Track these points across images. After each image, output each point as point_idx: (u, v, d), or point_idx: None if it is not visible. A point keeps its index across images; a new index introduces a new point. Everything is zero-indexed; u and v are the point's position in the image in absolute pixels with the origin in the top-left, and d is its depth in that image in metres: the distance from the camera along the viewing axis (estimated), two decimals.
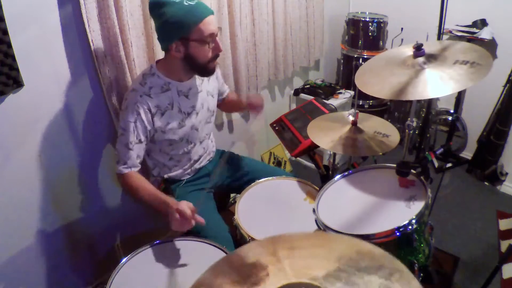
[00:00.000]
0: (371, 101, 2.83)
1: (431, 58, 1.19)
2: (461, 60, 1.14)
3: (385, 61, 1.31)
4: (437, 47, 1.25)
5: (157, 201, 1.28)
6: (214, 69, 1.40)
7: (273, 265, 0.68)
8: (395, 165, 1.23)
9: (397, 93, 1.12)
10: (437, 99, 2.75)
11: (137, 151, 1.36)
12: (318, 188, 1.46)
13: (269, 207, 1.45)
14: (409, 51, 1.25)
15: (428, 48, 1.22)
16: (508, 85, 2.27)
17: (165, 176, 1.57)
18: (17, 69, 1.28)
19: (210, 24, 1.26)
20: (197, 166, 1.62)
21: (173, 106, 1.40)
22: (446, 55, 1.19)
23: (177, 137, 1.45)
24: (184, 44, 1.27)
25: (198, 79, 1.48)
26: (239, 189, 1.60)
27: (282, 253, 0.71)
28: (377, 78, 1.25)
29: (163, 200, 1.26)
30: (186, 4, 1.21)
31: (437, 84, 1.10)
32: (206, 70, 1.38)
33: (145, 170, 1.87)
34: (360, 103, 2.81)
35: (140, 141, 1.36)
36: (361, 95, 2.74)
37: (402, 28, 2.66)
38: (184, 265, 1.19)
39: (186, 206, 1.18)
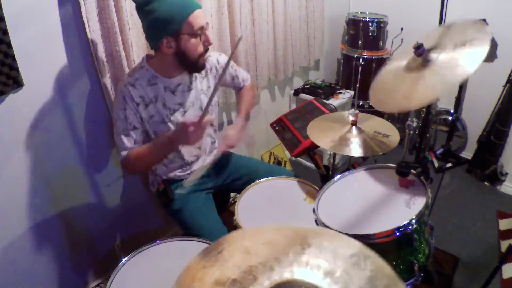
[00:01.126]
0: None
1: (433, 49, 1.19)
2: (459, 42, 1.12)
3: (393, 73, 1.30)
4: (435, 37, 1.24)
5: (162, 146, 1.34)
6: (204, 65, 1.40)
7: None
8: (395, 165, 1.23)
9: (418, 98, 1.11)
10: (437, 99, 2.75)
11: (133, 136, 1.38)
12: (318, 188, 1.46)
13: (269, 207, 1.45)
14: (409, 53, 1.24)
15: (426, 43, 1.21)
16: (508, 85, 2.27)
17: (164, 177, 1.57)
18: (17, 69, 1.28)
19: (198, 17, 1.26)
20: (195, 167, 1.60)
21: (157, 100, 1.39)
22: (445, 43, 1.18)
23: (161, 132, 1.44)
24: (176, 39, 1.27)
25: (189, 76, 1.46)
26: (239, 189, 1.60)
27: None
28: (393, 94, 1.24)
29: (166, 139, 1.31)
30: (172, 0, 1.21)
31: (451, 70, 1.08)
32: (196, 66, 1.37)
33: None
34: (360, 103, 2.81)
35: (134, 127, 1.37)
36: (361, 95, 2.74)
37: (402, 28, 2.65)
38: (184, 265, 1.19)
39: (191, 117, 1.23)
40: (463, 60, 1.07)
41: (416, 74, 1.18)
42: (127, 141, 1.37)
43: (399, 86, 1.22)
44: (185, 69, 1.41)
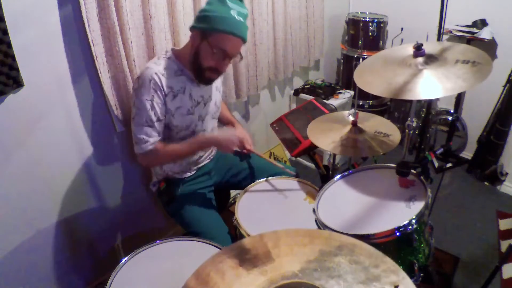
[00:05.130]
0: (371, 101, 2.83)
1: (431, 58, 1.19)
2: (462, 59, 1.14)
3: (385, 60, 1.31)
4: (436, 48, 1.25)
5: (201, 145, 1.46)
6: (207, 81, 1.41)
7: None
8: (395, 165, 1.23)
9: (401, 92, 1.11)
10: (437, 99, 2.75)
11: (158, 128, 1.37)
12: (318, 188, 1.46)
13: (269, 207, 1.45)
14: (409, 50, 1.24)
15: (427, 49, 1.22)
16: (508, 85, 2.27)
17: (169, 173, 1.56)
18: (17, 69, 1.28)
19: (230, 42, 1.28)
20: (199, 163, 1.61)
21: (185, 91, 1.41)
22: (445, 56, 1.19)
23: (184, 124, 1.45)
24: (201, 37, 1.30)
25: None
26: (239, 185, 1.60)
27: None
28: (377, 76, 1.24)
29: (209, 140, 1.43)
30: (232, 15, 1.25)
31: (443, 83, 1.09)
32: (200, 74, 1.38)
33: (146, 168, 1.87)
34: (360, 103, 2.81)
35: (159, 119, 1.36)
36: (361, 95, 2.74)
37: (402, 28, 2.66)
38: (184, 265, 1.19)
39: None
40: (460, 77, 1.08)
41: (408, 70, 1.18)
42: (152, 133, 1.35)
43: (389, 73, 1.22)
44: (193, 72, 1.40)
